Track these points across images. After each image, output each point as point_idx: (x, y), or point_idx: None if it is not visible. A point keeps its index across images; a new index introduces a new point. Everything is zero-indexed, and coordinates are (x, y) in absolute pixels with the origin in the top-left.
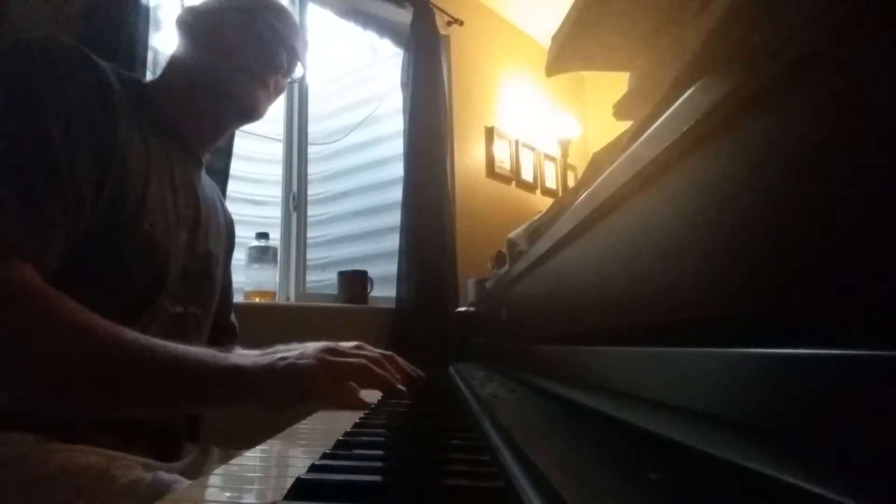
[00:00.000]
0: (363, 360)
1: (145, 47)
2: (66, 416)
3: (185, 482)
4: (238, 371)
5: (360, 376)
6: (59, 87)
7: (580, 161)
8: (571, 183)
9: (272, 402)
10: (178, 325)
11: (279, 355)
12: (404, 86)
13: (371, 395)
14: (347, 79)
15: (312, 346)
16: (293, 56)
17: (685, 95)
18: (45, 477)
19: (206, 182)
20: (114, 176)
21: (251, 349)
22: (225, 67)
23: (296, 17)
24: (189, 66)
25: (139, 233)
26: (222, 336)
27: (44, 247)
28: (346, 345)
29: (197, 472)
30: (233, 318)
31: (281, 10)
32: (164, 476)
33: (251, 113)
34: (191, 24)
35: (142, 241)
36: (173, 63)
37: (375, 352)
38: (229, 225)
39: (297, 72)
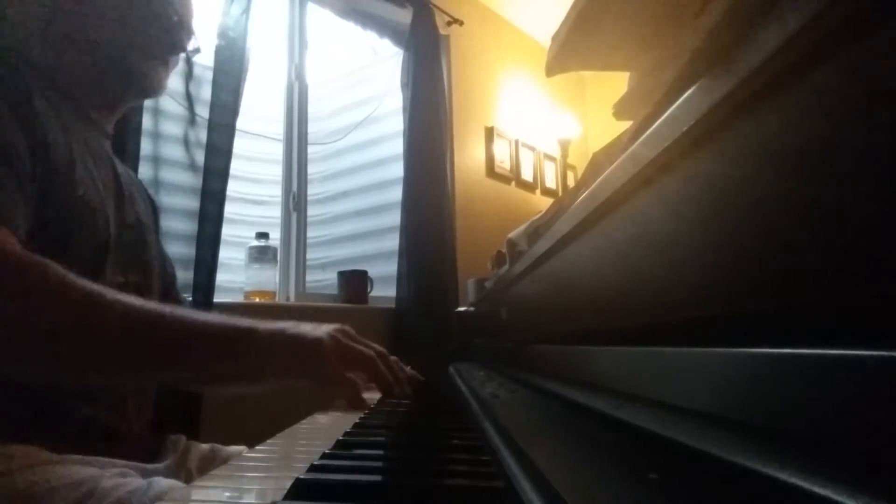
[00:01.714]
0: (374, 353)
1: None
2: (85, 385)
3: (182, 485)
4: (250, 331)
5: (367, 367)
6: None
7: (580, 161)
8: (571, 183)
9: (279, 366)
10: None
11: (291, 322)
12: (404, 86)
13: (369, 395)
14: (347, 79)
15: (327, 326)
16: (190, 33)
17: (685, 95)
18: (36, 492)
19: (119, 161)
20: (41, 150)
21: None
22: (126, 49)
23: (295, 17)
24: (87, 43)
25: (75, 201)
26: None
27: (13, 216)
28: None
29: (181, 467)
30: (178, 292)
31: None
32: (161, 482)
33: (153, 92)
34: (83, 2)
35: (79, 210)
36: (67, 38)
37: (375, 347)
38: (150, 197)
39: (192, 45)
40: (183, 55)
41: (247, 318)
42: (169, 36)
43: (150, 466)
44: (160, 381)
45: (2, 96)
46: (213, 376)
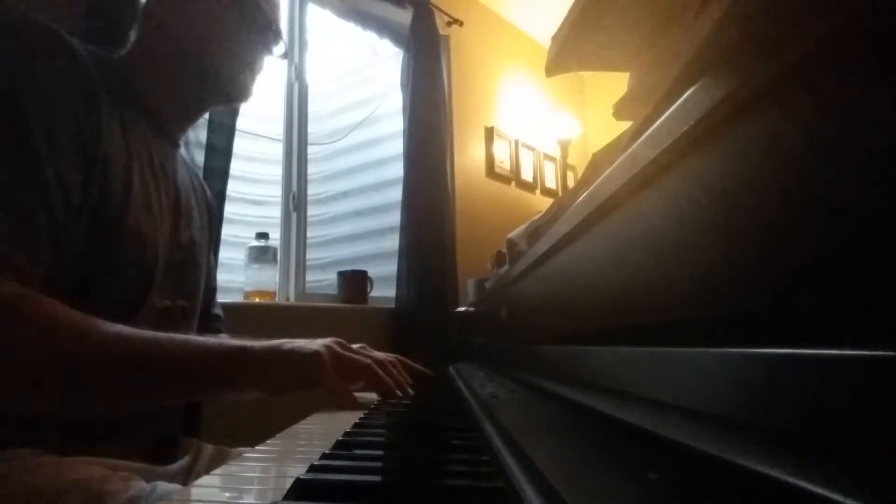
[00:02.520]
0: (368, 360)
1: None
2: (78, 417)
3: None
4: (243, 351)
5: (365, 375)
6: (36, 73)
7: (580, 161)
8: (571, 183)
9: (274, 382)
10: (167, 320)
11: (285, 340)
12: (404, 86)
13: (369, 396)
14: (347, 79)
15: (321, 340)
16: (279, 37)
17: (685, 95)
18: (42, 493)
19: (182, 163)
20: (98, 169)
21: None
22: (215, 55)
23: (295, 17)
24: (172, 48)
25: (126, 228)
26: (210, 325)
27: (27, 256)
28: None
29: (191, 471)
30: (217, 307)
31: None
32: (164, 486)
33: (240, 98)
34: (176, 2)
35: (129, 237)
36: (153, 40)
37: (381, 355)
38: (210, 205)
39: (279, 49)
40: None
41: (241, 340)
42: (258, 38)
43: (160, 469)
44: (158, 406)
45: (65, 113)
46: (210, 396)
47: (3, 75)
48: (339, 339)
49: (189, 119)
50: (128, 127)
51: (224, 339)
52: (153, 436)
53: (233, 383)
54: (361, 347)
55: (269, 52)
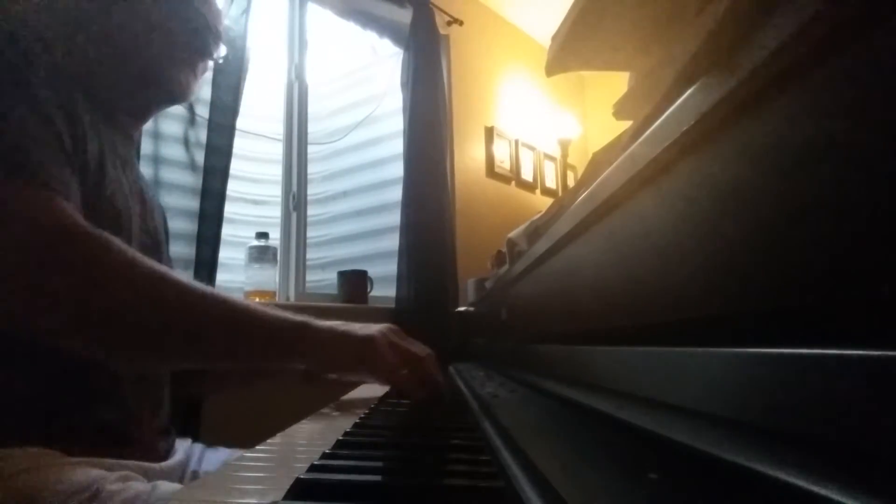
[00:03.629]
0: (429, 351)
1: None
2: (150, 368)
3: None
4: (305, 326)
5: (419, 368)
6: (17, 65)
7: (580, 161)
8: (571, 183)
9: (330, 362)
10: None
11: (341, 322)
12: (404, 86)
13: (373, 392)
14: (347, 79)
15: (377, 325)
16: (218, 39)
17: (685, 95)
18: (42, 493)
19: (139, 168)
20: (80, 145)
21: None
22: (154, 55)
23: (295, 16)
24: (114, 48)
25: (103, 201)
26: None
27: (69, 189)
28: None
29: (184, 469)
30: None
31: None
32: (164, 486)
33: (181, 98)
34: (114, 6)
35: (107, 210)
36: (95, 47)
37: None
38: (162, 208)
39: (221, 52)
40: (211, 61)
41: (302, 315)
42: (197, 40)
43: (157, 466)
44: (212, 367)
45: (51, 99)
46: (263, 366)
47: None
48: (394, 327)
49: (141, 117)
50: (92, 117)
51: (283, 311)
52: (152, 431)
53: (290, 356)
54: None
55: (210, 54)
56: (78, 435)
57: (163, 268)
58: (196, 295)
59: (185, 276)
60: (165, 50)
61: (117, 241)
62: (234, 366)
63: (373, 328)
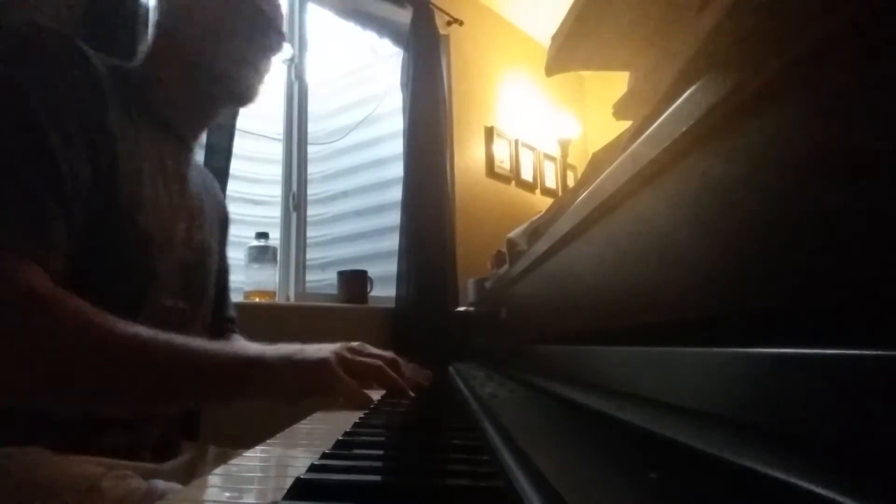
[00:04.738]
0: (379, 362)
1: None
2: (87, 413)
3: (181, 488)
4: (261, 361)
5: (377, 376)
6: (47, 74)
7: (580, 161)
8: (571, 183)
9: (289, 392)
10: (168, 320)
11: (297, 347)
12: (404, 86)
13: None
14: (347, 79)
15: (328, 346)
16: (281, 37)
17: (685, 95)
18: (39, 490)
19: (197, 168)
20: (107, 169)
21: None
22: (216, 54)
23: (295, 16)
24: (177, 51)
25: (134, 228)
26: (223, 326)
27: (47, 246)
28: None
29: (192, 471)
30: (231, 309)
31: None
32: (160, 484)
33: (245, 98)
34: (176, 7)
35: (136, 237)
36: (158, 48)
37: (377, 353)
38: (222, 210)
39: (286, 52)
40: (275, 60)
41: (255, 346)
42: (259, 38)
43: (158, 467)
44: (166, 409)
45: (76, 112)
46: (220, 402)
47: (14, 75)
48: (348, 343)
49: (201, 123)
50: (140, 132)
51: (237, 347)
52: (153, 436)
53: (244, 393)
54: (359, 346)
55: (272, 53)
56: (79, 434)
57: (114, 321)
58: (142, 346)
59: (140, 328)
60: (226, 46)
61: (72, 300)
62: (191, 405)
63: (325, 350)
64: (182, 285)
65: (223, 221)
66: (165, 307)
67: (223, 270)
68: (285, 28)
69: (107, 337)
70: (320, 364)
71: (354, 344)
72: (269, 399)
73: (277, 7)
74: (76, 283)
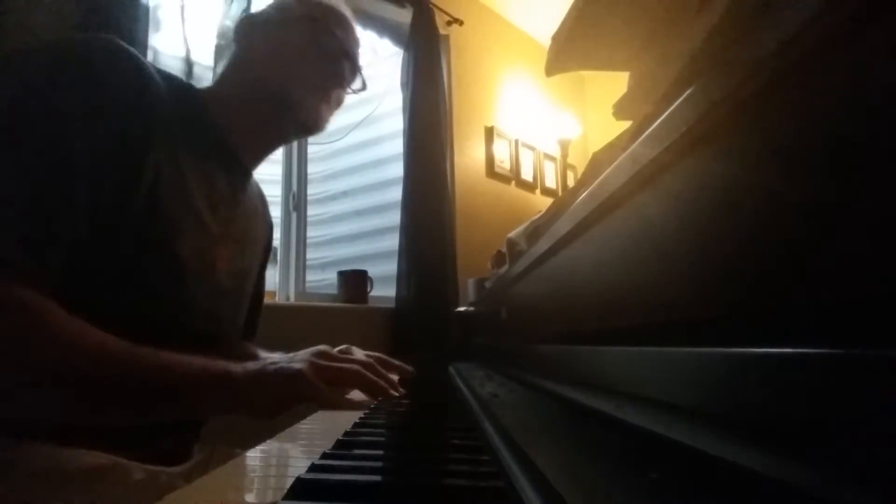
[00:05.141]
0: (355, 366)
1: (145, 48)
2: (73, 423)
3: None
4: (228, 377)
5: (353, 380)
6: (91, 90)
7: (580, 161)
8: (571, 183)
9: (263, 406)
10: (197, 343)
11: (269, 361)
12: (404, 85)
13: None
14: None
15: (303, 352)
16: (355, 68)
17: (685, 95)
18: (45, 482)
19: (251, 190)
20: (147, 191)
21: (263, 349)
22: (287, 80)
23: None
24: (248, 76)
25: (168, 255)
26: (246, 334)
27: (41, 262)
28: (335, 349)
29: (202, 474)
30: (256, 327)
31: (343, 20)
32: (164, 478)
33: (313, 127)
34: (250, 33)
35: (169, 263)
36: (230, 72)
37: (363, 355)
38: (269, 231)
39: (357, 83)
40: (349, 92)
41: (227, 362)
42: (332, 67)
43: (165, 469)
44: (145, 423)
45: (117, 133)
46: (195, 415)
47: (60, 92)
48: (322, 349)
49: (265, 149)
50: (193, 155)
51: (213, 362)
52: (166, 435)
53: (218, 407)
54: (343, 350)
55: (345, 83)
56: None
57: (104, 337)
58: (119, 359)
59: (123, 343)
60: (298, 73)
61: (56, 313)
62: (164, 417)
63: (297, 359)
64: (214, 311)
65: (268, 242)
66: (193, 331)
67: (259, 293)
68: (361, 62)
69: (91, 352)
70: (295, 376)
71: (342, 347)
72: (246, 414)
73: (353, 37)
74: (103, 301)
